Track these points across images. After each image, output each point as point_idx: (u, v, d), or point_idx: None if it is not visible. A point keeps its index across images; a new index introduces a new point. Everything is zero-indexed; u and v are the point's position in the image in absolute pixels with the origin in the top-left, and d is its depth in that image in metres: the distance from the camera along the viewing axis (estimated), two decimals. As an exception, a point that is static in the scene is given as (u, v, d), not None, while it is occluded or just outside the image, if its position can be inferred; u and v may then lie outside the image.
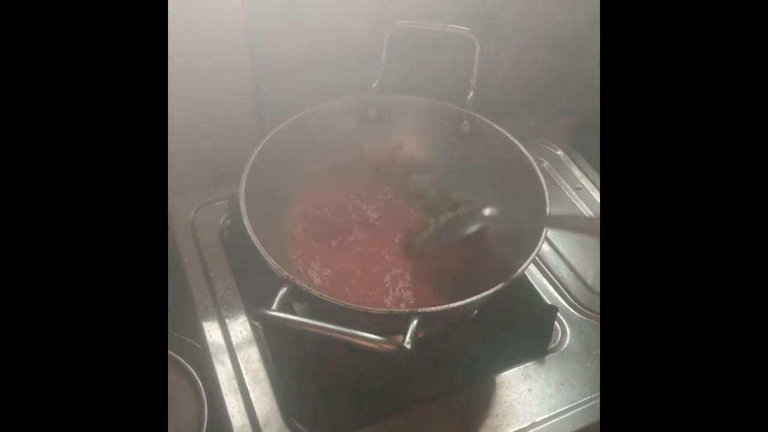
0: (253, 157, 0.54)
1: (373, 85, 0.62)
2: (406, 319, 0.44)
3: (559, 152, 0.76)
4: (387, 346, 0.40)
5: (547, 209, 0.53)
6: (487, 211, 0.55)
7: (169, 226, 0.64)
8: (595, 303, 0.60)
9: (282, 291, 0.45)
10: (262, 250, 0.47)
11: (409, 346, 0.41)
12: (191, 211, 0.65)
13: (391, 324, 0.47)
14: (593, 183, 0.72)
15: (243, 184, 0.52)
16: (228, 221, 0.65)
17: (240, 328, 0.56)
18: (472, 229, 0.54)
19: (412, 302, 0.54)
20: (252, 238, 0.48)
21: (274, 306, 0.43)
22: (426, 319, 0.44)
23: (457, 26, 0.60)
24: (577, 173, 0.74)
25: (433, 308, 0.46)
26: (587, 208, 0.70)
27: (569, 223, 0.58)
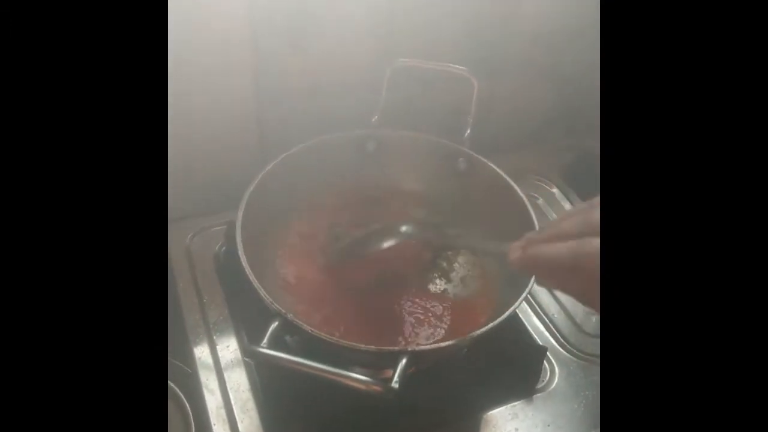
0: (251, 188, 0.55)
1: (373, 120, 0.63)
2: (396, 356, 0.44)
3: (554, 189, 0.77)
4: (375, 387, 0.41)
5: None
6: (403, 228, 0.55)
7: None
8: (585, 343, 0.61)
9: (273, 325, 0.45)
10: (255, 282, 0.48)
11: (397, 386, 0.42)
12: (187, 236, 0.66)
13: (381, 360, 0.47)
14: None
15: (240, 213, 0.53)
16: (224, 248, 0.65)
17: (231, 356, 0.56)
18: (387, 244, 0.55)
19: (405, 339, 0.54)
20: (246, 269, 0.48)
21: (265, 341, 0.44)
22: (416, 357, 0.45)
23: (456, 66, 0.61)
24: (571, 211, 0.75)
25: (424, 347, 0.47)
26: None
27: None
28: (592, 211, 0.32)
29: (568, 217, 0.35)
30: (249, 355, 0.42)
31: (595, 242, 0.30)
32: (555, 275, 0.34)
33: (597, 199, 0.31)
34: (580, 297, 0.34)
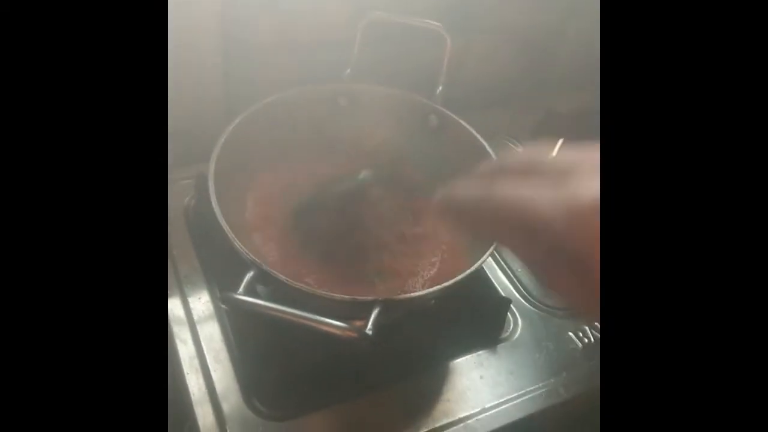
0: (222, 140, 0.55)
1: (345, 73, 0.63)
2: (369, 306, 0.45)
3: (521, 149, 0.79)
4: (350, 333, 0.42)
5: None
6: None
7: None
8: (547, 296, 0.63)
9: (248, 275, 0.46)
10: (230, 234, 0.48)
11: (371, 333, 0.43)
12: (156, 188, 0.65)
13: (354, 310, 0.49)
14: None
15: (212, 165, 0.53)
16: (193, 201, 0.65)
17: (203, 308, 0.57)
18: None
19: (377, 288, 0.55)
20: (220, 221, 0.48)
21: (241, 289, 0.44)
22: (388, 307, 0.46)
23: (430, 21, 0.61)
24: (537, 170, 0.77)
25: (395, 297, 0.48)
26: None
27: None
28: (503, 157, 0.31)
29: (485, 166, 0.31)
30: (226, 302, 0.42)
31: (500, 183, 0.28)
32: (468, 220, 0.31)
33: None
34: (498, 240, 0.31)
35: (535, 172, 0.27)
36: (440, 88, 0.63)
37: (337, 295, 0.46)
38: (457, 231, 0.34)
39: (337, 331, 0.42)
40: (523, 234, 0.27)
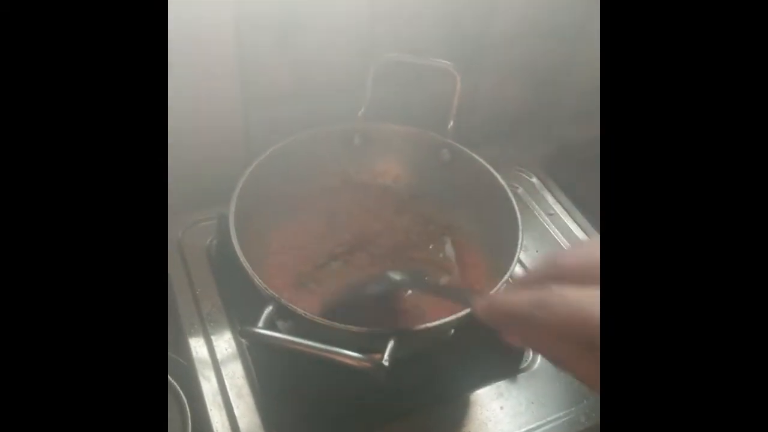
0: (243, 180, 0.57)
1: (359, 114, 0.65)
2: (386, 337, 0.46)
3: (534, 179, 0.80)
4: (366, 364, 0.43)
5: (520, 233, 0.56)
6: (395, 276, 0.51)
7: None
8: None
9: (267, 309, 0.47)
10: (249, 270, 0.50)
11: (387, 364, 0.44)
12: (179, 230, 0.67)
13: (371, 342, 0.49)
14: (565, 209, 0.76)
15: (233, 205, 0.55)
16: (215, 241, 0.67)
17: (225, 345, 0.58)
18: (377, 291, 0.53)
19: (393, 322, 0.56)
20: (239, 257, 0.50)
21: (260, 323, 0.46)
22: (404, 339, 0.47)
23: (440, 60, 0.63)
24: (551, 199, 0.77)
25: (412, 327, 0.49)
26: (558, 233, 0.73)
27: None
28: (559, 255, 0.29)
29: (538, 264, 0.30)
30: (245, 335, 0.44)
31: (556, 289, 0.26)
32: (516, 328, 0.30)
33: (567, 248, 0.29)
34: (546, 354, 0.29)
35: (594, 276, 0.25)
36: (451, 123, 0.65)
37: (354, 327, 0.47)
38: (511, 338, 0.32)
39: (354, 363, 0.43)
40: (578, 348, 0.25)
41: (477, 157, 0.63)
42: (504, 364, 0.59)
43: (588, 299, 0.24)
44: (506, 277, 0.52)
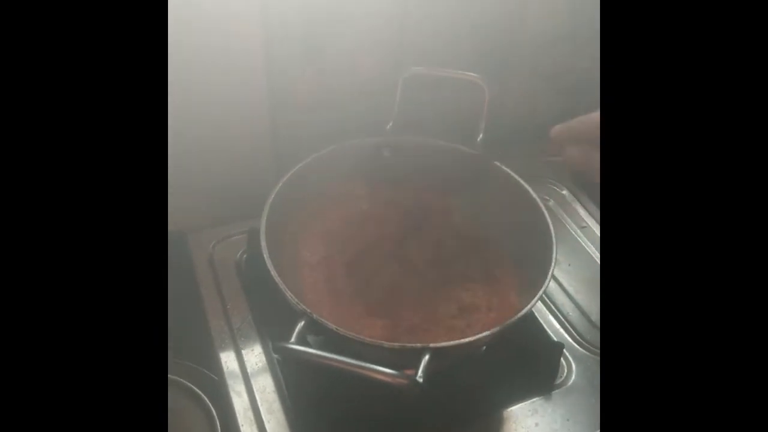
0: (272, 195, 0.57)
1: (388, 127, 0.65)
2: (419, 353, 0.45)
3: (564, 191, 0.79)
4: (400, 380, 0.42)
5: (554, 247, 0.55)
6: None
7: (189, 260, 0.66)
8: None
9: (300, 325, 0.47)
10: (281, 284, 0.49)
11: (421, 380, 0.43)
12: (210, 244, 0.68)
13: (404, 358, 0.49)
14: (597, 222, 0.74)
15: (263, 219, 0.55)
16: (245, 255, 0.67)
17: (255, 359, 0.58)
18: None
19: (426, 337, 0.55)
20: (271, 271, 0.50)
21: (293, 339, 0.45)
22: (437, 354, 0.46)
23: (468, 73, 0.63)
24: (582, 212, 0.76)
25: (444, 343, 0.48)
26: (591, 246, 0.72)
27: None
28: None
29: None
30: (278, 351, 0.43)
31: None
32: (582, 146, 0.45)
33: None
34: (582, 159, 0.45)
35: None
36: (481, 135, 0.64)
37: (387, 343, 0.46)
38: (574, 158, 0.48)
39: (388, 379, 0.42)
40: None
41: (508, 169, 0.63)
42: (538, 381, 0.58)
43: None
44: (541, 293, 0.51)
